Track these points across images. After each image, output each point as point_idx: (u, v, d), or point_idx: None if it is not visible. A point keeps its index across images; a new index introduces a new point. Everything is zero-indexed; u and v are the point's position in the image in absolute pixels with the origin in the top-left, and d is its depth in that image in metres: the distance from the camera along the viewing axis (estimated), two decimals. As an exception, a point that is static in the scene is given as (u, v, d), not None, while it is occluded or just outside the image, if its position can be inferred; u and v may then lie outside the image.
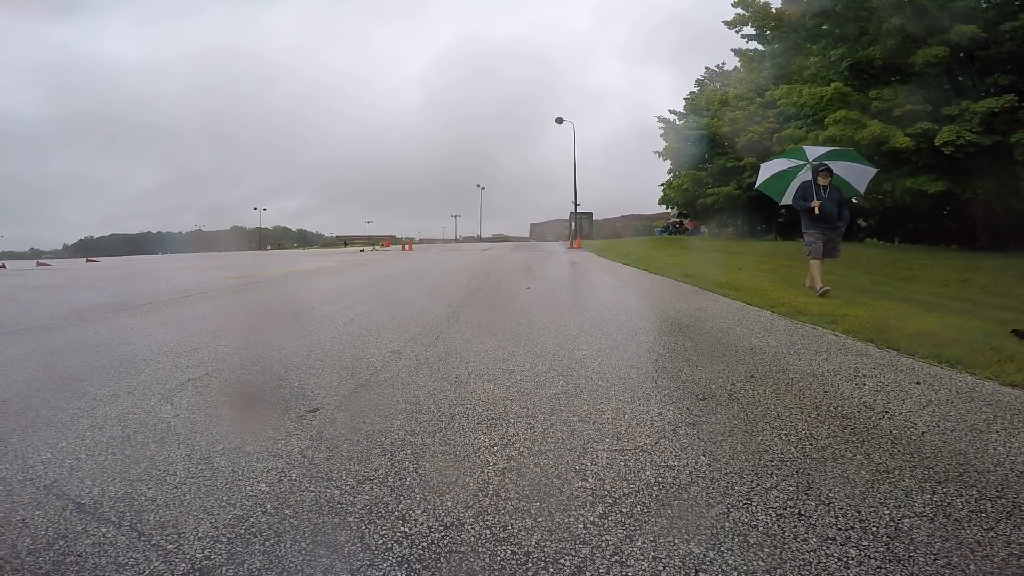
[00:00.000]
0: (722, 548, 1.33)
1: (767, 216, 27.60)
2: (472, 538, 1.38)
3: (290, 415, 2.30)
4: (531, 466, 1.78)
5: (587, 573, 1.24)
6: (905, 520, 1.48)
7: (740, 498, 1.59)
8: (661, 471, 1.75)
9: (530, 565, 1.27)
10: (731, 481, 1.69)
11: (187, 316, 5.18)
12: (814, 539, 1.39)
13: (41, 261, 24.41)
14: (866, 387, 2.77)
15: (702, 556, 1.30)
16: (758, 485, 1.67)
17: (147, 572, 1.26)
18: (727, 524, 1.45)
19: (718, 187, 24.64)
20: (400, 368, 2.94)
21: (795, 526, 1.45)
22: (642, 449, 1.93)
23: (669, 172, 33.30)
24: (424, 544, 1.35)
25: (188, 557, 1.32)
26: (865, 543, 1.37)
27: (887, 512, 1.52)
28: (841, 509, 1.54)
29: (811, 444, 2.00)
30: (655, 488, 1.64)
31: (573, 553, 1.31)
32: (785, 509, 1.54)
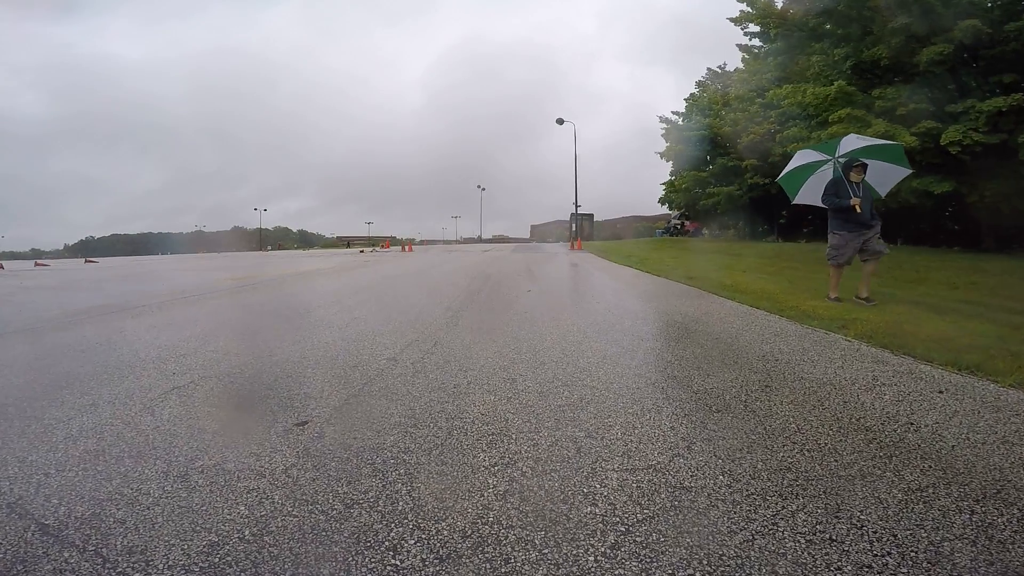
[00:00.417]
0: (750, 586, 1.19)
1: (768, 217, 27.48)
2: (470, 573, 1.24)
3: (276, 428, 2.16)
4: (535, 489, 1.64)
5: (600, 620, 1.09)
6: (945, 543, 1.35)
7: (765, 523, 1.45)
8: (677, 493, 1.61)
9: (535, 609, 1.12)
10: (754, 504, 1.55)
11: (179, 319, 5.04)
12: (849, 567, 1.26)
13: (39, 262, 24.27)
14: (887, 397, 2.63)
15: (729, 598, 1.15)
16: (783, 507, 1.53)
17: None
18: (752, 553, 1.31)
19: (720, 187, 24.49)
20: (396, 377, 2.80)
21: (827, 553, 1.31)
22: (655, 468, 1.79)
23: (671, 173, 33.23)
24: (416, 582, 1.21)
25: (152, 596, 1.18)
26: (904, 570, 1.23)
27: (925, 535, 1.39)
28: (875, 533, 1.40)
29: (836, 460, 1.86)
30: (671, 513, 1.49)
31: (583, 594, 1.17)
32: (815, 534, 1.40)
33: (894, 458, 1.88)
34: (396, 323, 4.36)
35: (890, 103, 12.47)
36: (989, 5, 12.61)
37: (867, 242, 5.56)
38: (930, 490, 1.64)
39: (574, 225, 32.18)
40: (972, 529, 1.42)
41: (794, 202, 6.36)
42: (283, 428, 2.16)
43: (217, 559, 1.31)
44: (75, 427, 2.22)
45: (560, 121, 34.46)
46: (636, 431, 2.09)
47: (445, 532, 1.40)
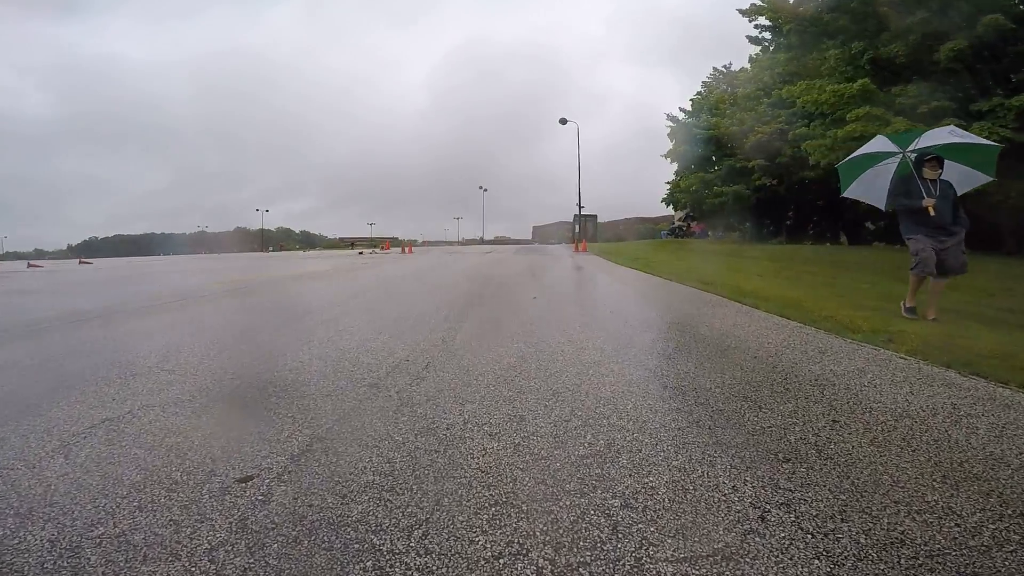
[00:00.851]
0: None
1: (775, 218, 26.91)
2: None
3: (212, 485, 1.64)
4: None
5: None
6: None
7: None
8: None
9: None
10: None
11: (146, 330, 4.53)
12: None
13: (32, 263, 23.81)
14: (980, 431, 2.11)
15: None
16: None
17: None
18: None
19: (726, 187, 23.94)
20: (375, 411, 2.27)
21: None
22: (724, 555, 1.26)
23: (675, 173, 32.70)
24: None
25: None
26: None
27: None
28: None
29: (958, 525, 1.35)
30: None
31: None
32: None
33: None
34: (385, 337, 3.83)
35: (911, 100, 11.92)
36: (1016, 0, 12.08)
37: (944, 252, 4.60)
38: None
39: (577, 226, 31.63)
40: None
41: (844, 195, 5.51)
42: (220, 485, 1.64)
43: None
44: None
45: (563, 121, 33.96)
46: (688, 495, 1.56)
47: None
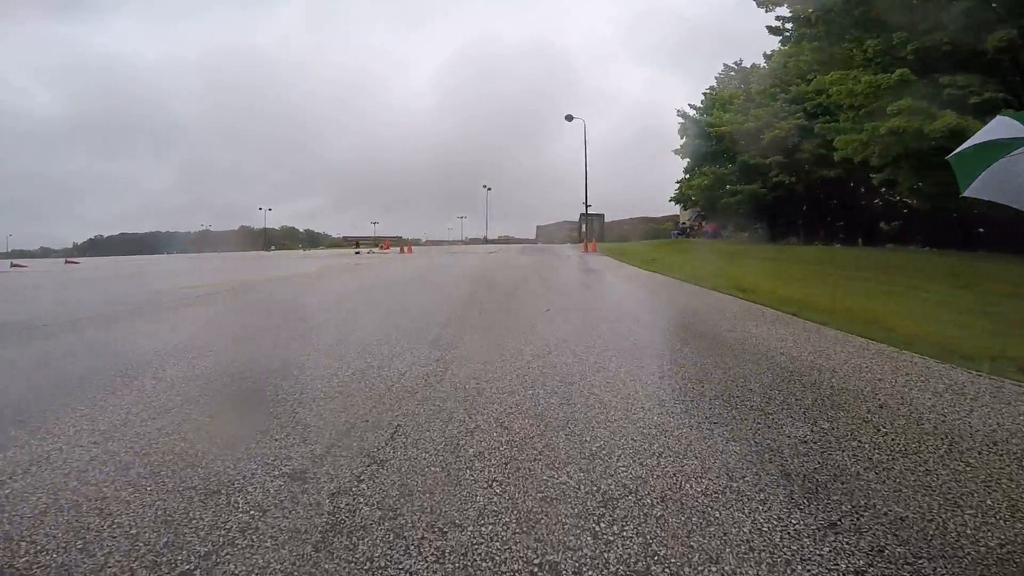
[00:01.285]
0: None
1: (789, 218, 25.74)
2: None
3: None
4: None
5: None
6: None
7: None
8: None
9: None
10: None
11: (98, 344, 3.59)
12: None
13: (15, 262, 22.95)
14: None
15: None
16: None
17: None
18: None
19: (742, 185, 22.82)
20: (283, 550, 1.23)
21: None
22: None
23: (685, 171, 31.59)
24: None
25: None
26: None
27: None
28: None
29: None
30: None
31: None
32: None
33: None
34: (364, 364, 2.84)
35: (961, 91, 10.81)
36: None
37: None
38: None
39: (584, 226, 30.50)
40: None
41: (964, 194, 4.24)
42: None
43: None
44: None
45: (569, 117, 32.82)
46: None
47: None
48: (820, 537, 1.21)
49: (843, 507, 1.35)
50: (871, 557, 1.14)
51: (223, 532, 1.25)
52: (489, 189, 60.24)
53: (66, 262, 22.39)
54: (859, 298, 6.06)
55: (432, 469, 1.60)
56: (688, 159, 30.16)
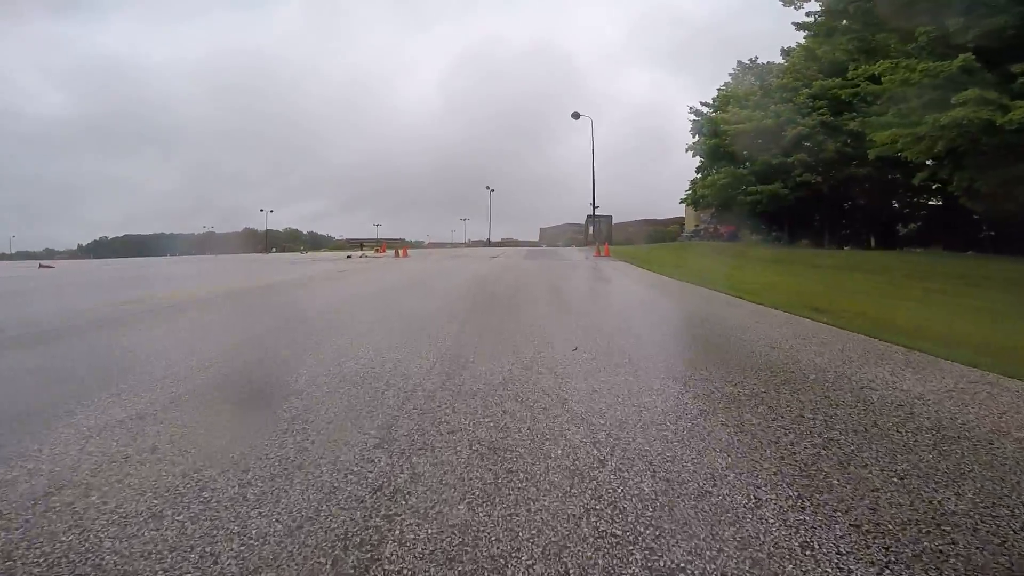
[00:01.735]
0: None
1: (802, 221, 24.21)
2: None
3: None
4: None
5: None
6: None
7: None
8: None
9: None
10: None
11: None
12: None
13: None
14: None
15: None
16: None
17: None
18: None
19: (762, 186, 21.38)
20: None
21: None
22: None
23: (698, 170, 30.18)
24: None
25: None
26: None
27: None
28: None
29: None
30: None
31: None
32: None
33: None
34: (319, 432, 1.45)
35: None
36: None
37: None
38: None
39: (591, 228, 29.02)
40: None
41: None
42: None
43: None
44: None
45: (576, 115, 31.47)
46: None
47: None
48: None
49: None
50: None
51: None
52: (492, 191, 58.78)
53: (40, 266, 21.08)
54: (983, 323, 4.66)
55: None
56: (701, 158, 28.77)
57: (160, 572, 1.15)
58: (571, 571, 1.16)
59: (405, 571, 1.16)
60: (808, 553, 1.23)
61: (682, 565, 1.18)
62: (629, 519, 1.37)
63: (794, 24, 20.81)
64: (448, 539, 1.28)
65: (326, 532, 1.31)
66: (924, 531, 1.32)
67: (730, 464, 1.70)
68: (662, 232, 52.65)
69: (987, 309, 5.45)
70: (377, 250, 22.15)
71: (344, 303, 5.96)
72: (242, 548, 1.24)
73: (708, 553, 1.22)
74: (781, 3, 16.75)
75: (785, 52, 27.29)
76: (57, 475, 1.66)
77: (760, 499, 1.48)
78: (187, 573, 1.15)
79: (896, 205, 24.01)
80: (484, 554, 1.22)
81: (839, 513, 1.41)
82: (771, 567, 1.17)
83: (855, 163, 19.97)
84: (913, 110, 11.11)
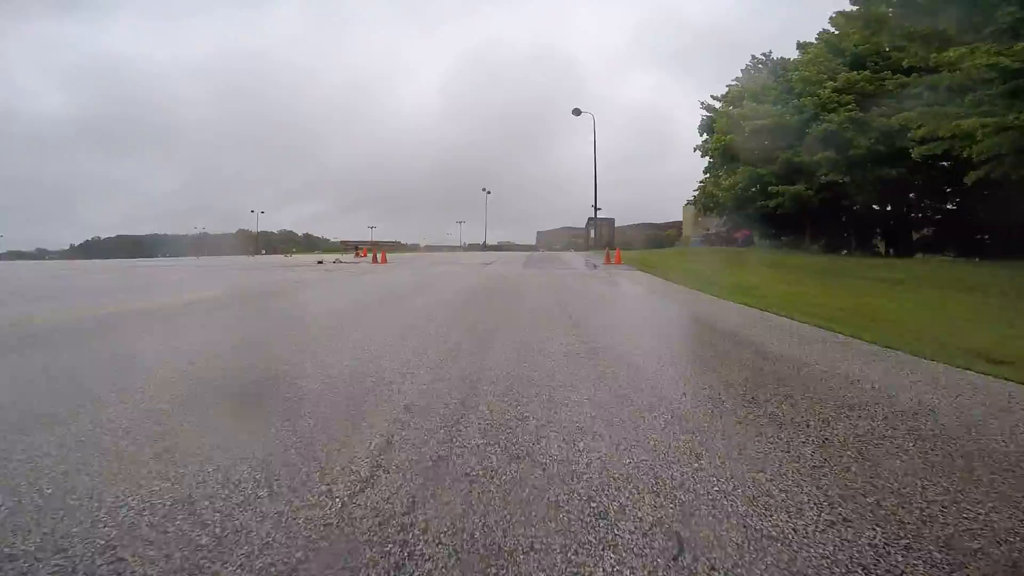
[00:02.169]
0: None
1: (818, 225, 22.37)
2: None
3: None
4: None
5: None
6: None
7: None
8: None
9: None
10: None
11: None
12: None
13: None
14: None
15: None
16: None
17: None
18: None
19: (784, 186, 19.50)
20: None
21: None
22: None
23: (706, 171, 28.37)
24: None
25: None
26: None
27: None
28: None
29: None
30: None
31: None
32: None
33: None
34: None
35: None
36: None
37: None
38: None
39: (592, 231, 27.01)
40: None
41: None
42: None
43: None
44: None
45: (577, 111, 29.77)
46: None
47: None
48: None
49: None
50: None
51: None
52: (488, 192, 56.81)
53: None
54: None
55: None
56: (710, 158, 26.99)
57: None
58: None
59: None
60: None
61: None
62: None
63: (834, 14, 19.03)
64: None
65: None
66: None
67: None
68: (660, 236, 50.82)
69: None
70: (357, 254, 19.96)
71: (324, 316, 4.03)
72: None
73: None
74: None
75: (801, 46, 25.60)
76: None
77: None
78: None
79: (905, 209, 22.26)
80: None
81: None
82: None
83: (884, 163, 18.19)
84: (990, 98, 9.26)
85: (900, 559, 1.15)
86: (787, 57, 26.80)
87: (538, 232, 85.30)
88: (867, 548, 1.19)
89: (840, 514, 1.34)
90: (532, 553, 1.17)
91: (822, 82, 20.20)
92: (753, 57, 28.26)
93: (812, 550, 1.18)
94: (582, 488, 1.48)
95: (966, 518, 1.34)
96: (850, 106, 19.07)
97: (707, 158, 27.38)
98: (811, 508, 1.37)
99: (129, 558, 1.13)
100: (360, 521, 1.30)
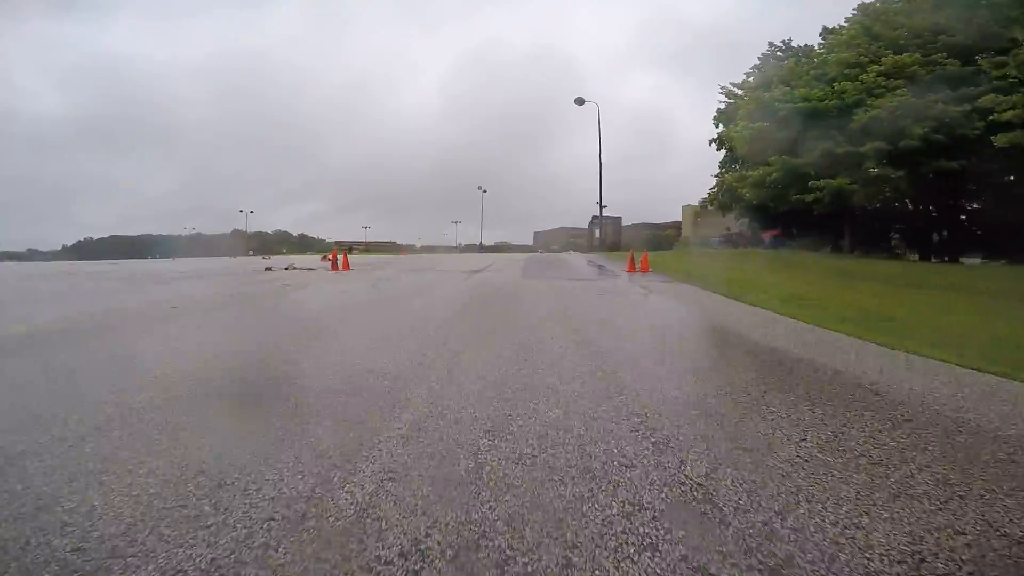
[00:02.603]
0: None
1: (880, 226, 19.72)
2: None
3: None
4: None
5: None
6: None
7: None
8: None
9: None
10: None
11: None
12: None
13: None
14: None
15: None
16: None
17: None
18: None
19: (824, 180, 16.89)
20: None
21: None
22: None
23: (721, 165, 25.79)
24: None
25: None
26: None
27: None
28: None
29: None
30: None
31: None
32: None
33: None
34: None
35: None
36: None
37: None
38: None
39: (598, 231, 24.22)
40: None
41: None
42: None
43: None
44: None
45: (580, 101, 27.08)
46: None
47: None
48: None
49: None
50: None
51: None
52: (484, 191, 53.84)
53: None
54: None
55: None
56: (727, 150, 24.44)
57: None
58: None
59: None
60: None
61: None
62: None
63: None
64: None
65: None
66: None
67: None
68: (660, 236, 48.42)
69: None
70: (324, 258, 16.90)
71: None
72: None
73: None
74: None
75: (827, 31, 23.14)
76: None
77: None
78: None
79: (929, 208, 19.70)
80: None
81: None
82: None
83: (941, 155, 15.64)
84: None
85: None
86: (810, 44, 24.41)
87: (535, 233, 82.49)
88: None
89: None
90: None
91: (863, 65, 17.67)
92: (771, 45, 25.71)
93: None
94: None
95: None
96: (900, 91, 16.53)
97: (723, 151, 24.88)
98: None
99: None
100: None
